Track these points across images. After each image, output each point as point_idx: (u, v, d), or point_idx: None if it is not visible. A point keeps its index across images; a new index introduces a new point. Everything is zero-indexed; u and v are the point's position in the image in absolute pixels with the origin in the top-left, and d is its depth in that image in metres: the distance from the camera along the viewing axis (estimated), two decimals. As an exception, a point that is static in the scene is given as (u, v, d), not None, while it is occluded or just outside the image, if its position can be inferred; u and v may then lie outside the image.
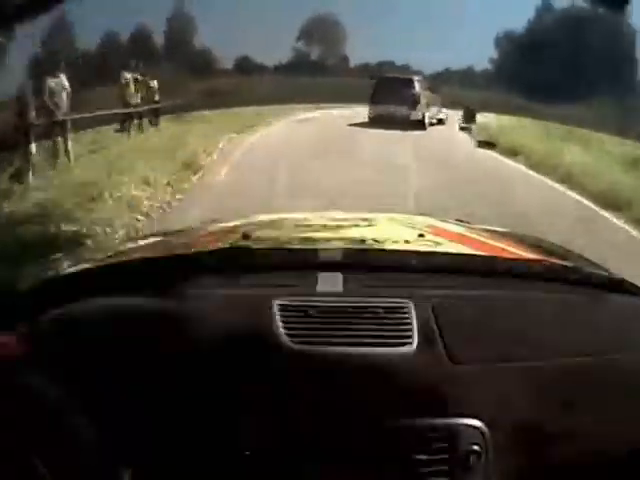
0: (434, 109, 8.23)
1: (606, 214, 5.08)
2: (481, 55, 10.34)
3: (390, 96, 7.77)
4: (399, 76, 7.92)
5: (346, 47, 10.71)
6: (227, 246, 1.16)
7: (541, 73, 8.76)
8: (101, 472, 0.71)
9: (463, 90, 9.37)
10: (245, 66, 10.00)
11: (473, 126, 7.78)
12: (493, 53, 10.92)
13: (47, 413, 0.69)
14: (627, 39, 9.30)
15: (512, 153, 7.23)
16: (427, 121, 8.02)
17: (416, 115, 7.92)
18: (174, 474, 0.80)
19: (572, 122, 8.63)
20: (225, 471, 0.79)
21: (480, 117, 8.27)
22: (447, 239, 1.26)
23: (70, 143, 6.14)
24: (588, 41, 9.20)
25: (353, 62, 10.60)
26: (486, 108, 8.71)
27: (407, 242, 1.16)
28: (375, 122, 7.75)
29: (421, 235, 1.21)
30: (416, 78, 7.93)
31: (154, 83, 8.06)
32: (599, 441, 0.82)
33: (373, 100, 7.86)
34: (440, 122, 8.42)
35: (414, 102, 7.91)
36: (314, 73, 10.34)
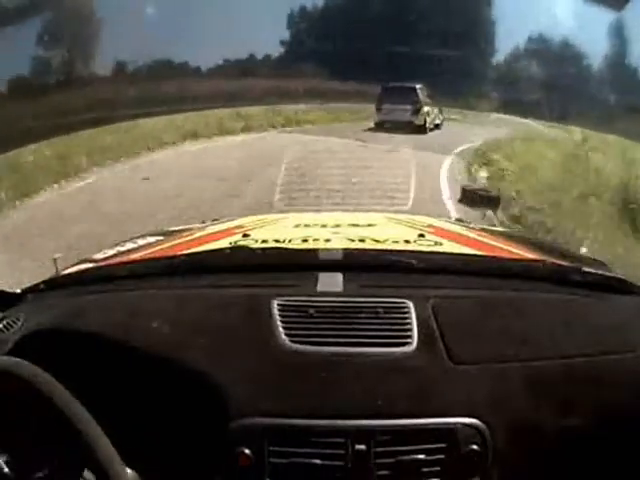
0: (432, 115, 9.01)
1: None
2: (268, 39, 8.63)
3: (394, 103, 8.43)
4: (402, 85, 8.50)
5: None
6: (227, 246, 1.16)
7: (345, 50, 7.59)
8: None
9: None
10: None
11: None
12: (285, 34, 9.15)
13: (48, 410, 0.69)
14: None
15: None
16: (427, 126, 8.78)
17: (419, 120, 8.59)
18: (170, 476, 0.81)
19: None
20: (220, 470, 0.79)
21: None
22: (447, 239, 1.26)
23: None
24: (404, 8, 8.04)
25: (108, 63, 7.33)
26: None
27: (407, 242, 1.16)
28: (380, 127, 8.39)
29: (421, 235, 1.21)
30: (418, 86, 8.54)
31: None
32: (599, 441, 0.82)
33: (378, 107, 8.52)
34: (437, 127, 9.16)
35: (417, 109, 8.60)
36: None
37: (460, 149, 7.34)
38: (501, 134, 7.97)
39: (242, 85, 8.51)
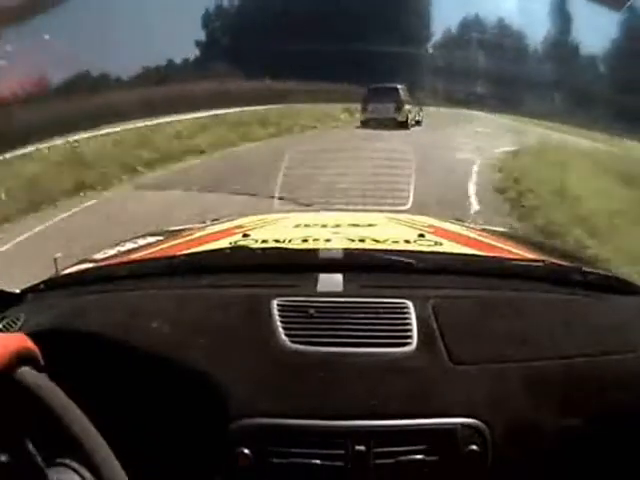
0: (414, 112, 10.06)
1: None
2: (186, 42, 8.41)
3: (379, 102, 9.42)
4: (385, 85, 9.49)
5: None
6: (227, 246, 1.16)
7: (262, 47, 7.55)
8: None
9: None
10: None
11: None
12: (200, 35, 9.01)
13: (44, 412, 0.68)
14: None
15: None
16: (409, 122, 9.79)
17: (401, 117, 9.58)
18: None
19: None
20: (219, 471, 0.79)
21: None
22: (447, 239, 1.26)
23: None
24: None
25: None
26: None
27: (407, 242, 1.16)
28: (366, 124, 9.22)
29: (421, 235, 1.21)
30: (400, 86, 9.57)
31: None
32: (599, 441, 0.82)
33: (364, 107, 9.52)
34: (417, 123, 10.11)
35: (399, 107, 9.61)
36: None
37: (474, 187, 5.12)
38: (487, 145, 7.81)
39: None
